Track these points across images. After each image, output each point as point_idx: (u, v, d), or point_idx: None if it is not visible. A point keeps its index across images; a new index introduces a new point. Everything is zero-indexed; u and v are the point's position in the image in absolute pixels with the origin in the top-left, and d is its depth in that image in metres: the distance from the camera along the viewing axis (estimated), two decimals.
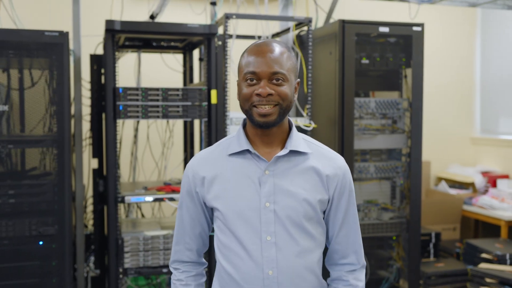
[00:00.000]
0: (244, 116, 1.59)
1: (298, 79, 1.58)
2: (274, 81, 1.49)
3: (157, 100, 2.81)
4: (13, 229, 2.65)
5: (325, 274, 1.64)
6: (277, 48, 1.52)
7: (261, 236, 1.51)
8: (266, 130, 1.54)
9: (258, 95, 1.48)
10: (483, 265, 3.84)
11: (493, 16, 5.35)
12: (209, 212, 1.63)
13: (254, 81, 1.50)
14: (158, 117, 2.82)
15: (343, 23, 3.21)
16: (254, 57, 1.51)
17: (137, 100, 2.78)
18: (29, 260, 2.69)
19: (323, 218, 1.61)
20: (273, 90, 1.48)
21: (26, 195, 2.68)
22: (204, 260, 1.72)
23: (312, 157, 1.58)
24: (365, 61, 3.34)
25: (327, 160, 1.59)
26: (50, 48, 2.65)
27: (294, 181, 1.54)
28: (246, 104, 1.51)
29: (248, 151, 1.56)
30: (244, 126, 1.62)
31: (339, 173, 1.58)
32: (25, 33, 2.61)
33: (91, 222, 3.74)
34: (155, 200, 2.90)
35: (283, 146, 1.57)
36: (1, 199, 2.62)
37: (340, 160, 1.62)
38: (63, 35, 2.63)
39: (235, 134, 1.62)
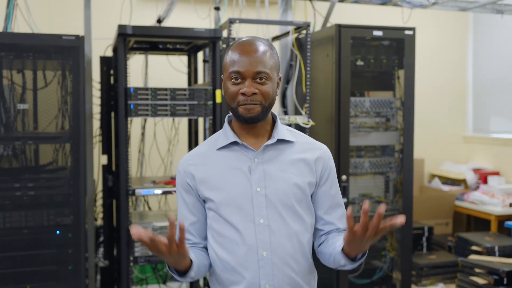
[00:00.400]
0: (229, 114, 1.67)
1: (280, 75, 1.64)
2: (258, 80, 1.55)
3: (166, 99, 2.99)
4: (32, 219, 2.81)
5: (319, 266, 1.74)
6: (261, 47, 1.57)
7: (254, 219, 1.57)
8: (251, 125, 1.61)
9: (243, 94, 1.54)
10: (473, 257, 3.99)
11: (484, 21, 5.51)
12: (204, 205, 1.67)
13: (239, 80, 1.55)
14: (166, 115, 3.00)
15: (339, 27, 3.36)
16: (238, 56, 1.55)
17: (147, 99, 2.96)
18: (47, 248, 2.84)
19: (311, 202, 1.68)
20: (257, 89, 1.54)
21: (44, 188, 2.83)
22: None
23: (297, 145, 1.66)
24: (360, 62, 3.49)
25: (311, 146, 1.69)
26: (67, 51, 2.80)
27: (282, 167, 1.62)
28: (233, 103, 1.58)
29: (235, 143, 1.62)
30: (230, 122, 1.68)
31: (323, 156, 1.68)
32: (44, 37, 2.77)
33: (100, 215, 3.92)
34: (164, 193, 3.07)
35: (268, 137, 1.65)
36: (21, 191, 2.79)
37: (323, 146, 1.71)
38: (79, 39, 2.79)
39: (221, 130, 1.68)
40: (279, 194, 1.59)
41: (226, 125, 1.67)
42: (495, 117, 5.46)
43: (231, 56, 1.58)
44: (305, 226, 1.63)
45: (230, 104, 1.60)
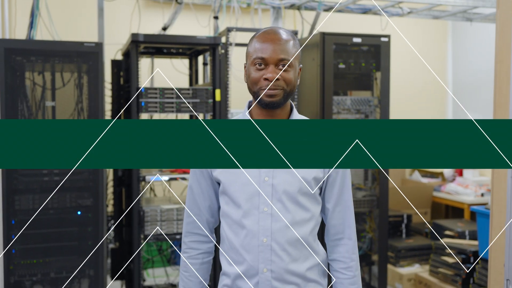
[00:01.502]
0: (249, 100, 1.70)
1: (301, 65, 1.67)
2: (281, 67, 1.58)
3: (172, 98, 3.43)
4: (57, 201, 3.21)
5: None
6: (284, 36, 1.61)
7: (259, 207, 1.63)
8: (270, 111, 1.64)
9: (266, 79, 1.58)
10: (445, 240, 4.39)
11: (462, 27, 5.91)
12: (216, 187, 1.74)
13: (262, 66, 1.58)
14: (172, 111, 3.42)
15: (324, 35, 3.73)
16: (263, 44, 1.59)
17: (155, 97, 3.40)
18: (70, 226, 3.23)
19: (320, 194, 1.71)
20: (280, 75, 1.58)
21: (67, 174, 3.23)
22: (214, 236, 1.82)
23: None
24: (342, 66, 3.84)
25: None
26: (88, 56, 3.20)
27: None
28: (255, 87, 1.60)
29: None
30: (249, 107, 1.70)
31: None
32: (68, 44, 3.18)
33: (110, 202, 4.34)
34: (170, 179, 3.49)
35: None
36: (48, 177, 3.21)
37: None
38: (98, 45, 3.21)
39: (241, 115, 1.72)
40: (285, 185, 1.64)
41: (245, 110, 1.71)
42: (473, 115, 5.79)
43: (255, 44, 1.61)
44: (309, 215, 1.68)
45: (252, 89, 1.63)
